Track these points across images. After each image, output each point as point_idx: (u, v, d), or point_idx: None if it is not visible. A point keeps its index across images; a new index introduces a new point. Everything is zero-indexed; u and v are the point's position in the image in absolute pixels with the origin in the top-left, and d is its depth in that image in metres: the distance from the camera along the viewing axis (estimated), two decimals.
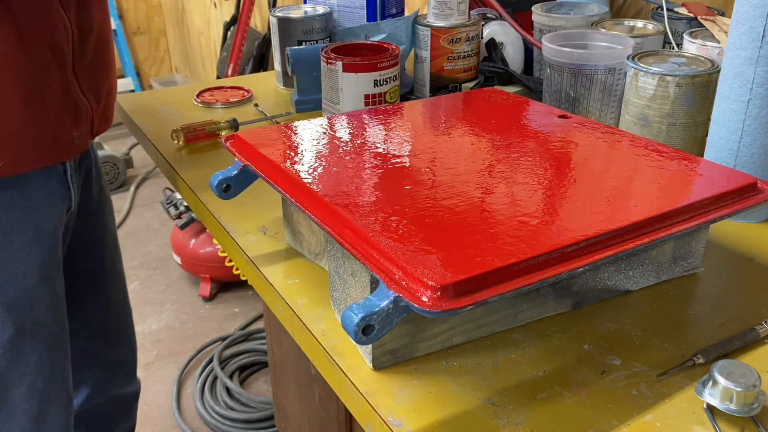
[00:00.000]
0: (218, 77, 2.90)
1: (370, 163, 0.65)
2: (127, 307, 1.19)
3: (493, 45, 1.12)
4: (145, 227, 2.82)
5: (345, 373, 0.55)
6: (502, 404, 0.51)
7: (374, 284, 0.53)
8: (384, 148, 0.69)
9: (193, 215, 2.26)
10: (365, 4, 1.15)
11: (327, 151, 0.68)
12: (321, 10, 1.18)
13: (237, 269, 2.20)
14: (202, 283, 2.31)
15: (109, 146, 3.28)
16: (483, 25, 1.13)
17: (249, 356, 1.99)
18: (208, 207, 0.81)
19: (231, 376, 1.92)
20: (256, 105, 1.13)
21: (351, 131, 0.74)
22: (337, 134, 0.73)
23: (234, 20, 2.72)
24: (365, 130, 0.74)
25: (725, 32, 0.88)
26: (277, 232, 0.75)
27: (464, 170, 0.64)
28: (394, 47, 0.97)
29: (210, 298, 2.32)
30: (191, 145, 0.98)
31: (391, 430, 0.50)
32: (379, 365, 0.55)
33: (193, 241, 2.27)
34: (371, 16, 1.16)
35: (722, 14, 0.96)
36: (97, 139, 3.16)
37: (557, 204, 0.57)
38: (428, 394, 0.52)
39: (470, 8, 1.12)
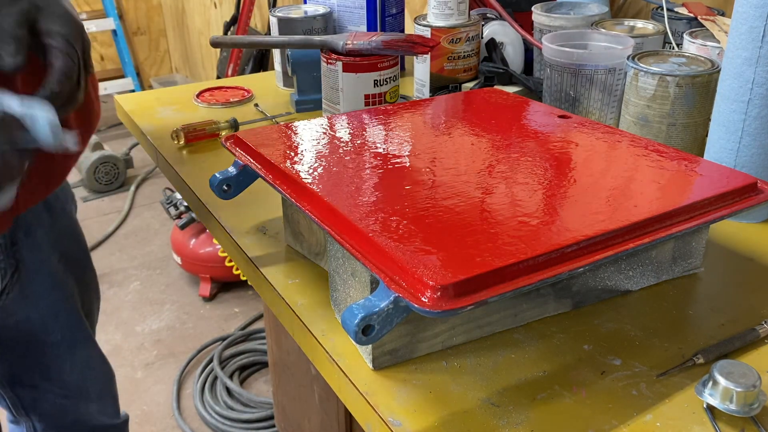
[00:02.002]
0: (218, 77, 2.90)
1: (370, 163, 0.65)
2: (107, 367, 1.12)
3: (493, 45, 1.12)
4: (145, 227, 2.82)
5: (345, 373, 0.55)
6: (502, 404, 0.51)
7: (374, 284, 0.53)
8: (384, 148, 0.69)
9: (193, 215, 2.26)
10: (365, 4, 1.15)
11: (327, 151, 0.68)
12: (321, 10, 1.18)
13: (237, 269, 2.20)
14: (202, 283, 2.31)
15: (109, 146, 3.29)
16: (483, 25, 1.13)
17: (249, 356, 1.99)
18: (208, 207, 0.81)
19: (231, 376, 1.92)
20: (256, 105, 1.13)
21: (351, 131, 0.74)
22: (337, 134, 0.73)
23: (234, 20, 2.72)
24: (365, 130, 0.74)
25: (725, 32, 0.88)
26: (277, 232, 0.75)
27: (464, 170, 0.64)
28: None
29: (210, 298, 2.32)
30: (191, 145, 0.98)
31: (391, 430, 0.50)
32: (379, 365, 0.55)
33: (193, 241, 2.27)
34: (371, 16, 1.16)
35: (722, 14, 0.96)
36: (97, 138, 3.16)
37: (557, 204, 0.57)
38: (428, 394, 0.52)
39: (470, 8, 1.12)
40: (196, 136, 0.98)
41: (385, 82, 0.94)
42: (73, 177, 3.10)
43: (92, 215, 2.89)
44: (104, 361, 1.10)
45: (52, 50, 0.61)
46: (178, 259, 2.32)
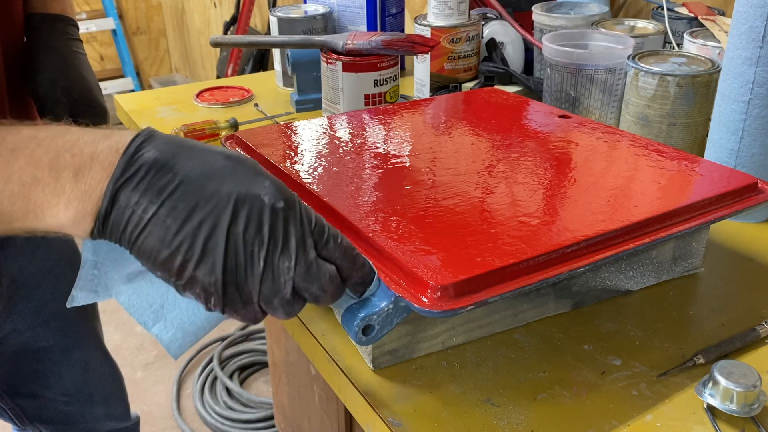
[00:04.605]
0: (218, 77, 2.90)
1: (370, 163, 0.65)
2: (111, 365, 1.08)
3: (493, 45, 1.12)
4: None
5: (345, 373, 0.55)
6: (502, 404, 0.51)
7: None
8: (384, 148, 0.69)
9: None
10: (365, 4, 1.15)
11: (327, 151, 0.68)
12: (321, 9, 1.18)
13: None
14: None
15: None
16: (483, 25, 1.13)
17: (249, 356, 1.99)
18: None
19: (231, 377, 1.92)
20: (256, 105, 1.13)
21: (351, 131, 0.74)
22: (337, 134, 0.73)
23: (234, 20, 2.72)
24: (365, 130, 0.74)
25: (726, 32, 0.88)
26: None
27: (464, 170, 0.64)
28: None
29: None
30: None
31: (391, 430, 0.49)
32: (379, 365, 0.55)
33: None
34: (371, 16, 1.16)
35: (722, 14, 0.96)
36: None
37: (557, 204, 0.57)
38: (428, 394, 0.52)
39: (470, 8, 1.12)
40: (196, 136, 0.98)
41: (385, 82, 0.94)
42: None
43: None
44: (106, 360, 1.07)
45: None
46: None
